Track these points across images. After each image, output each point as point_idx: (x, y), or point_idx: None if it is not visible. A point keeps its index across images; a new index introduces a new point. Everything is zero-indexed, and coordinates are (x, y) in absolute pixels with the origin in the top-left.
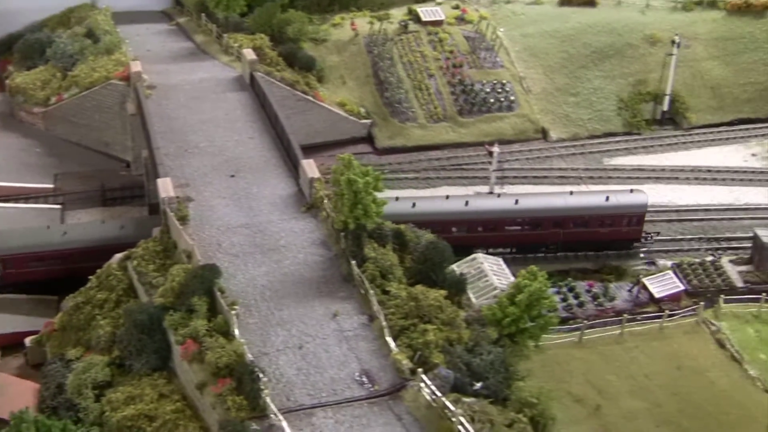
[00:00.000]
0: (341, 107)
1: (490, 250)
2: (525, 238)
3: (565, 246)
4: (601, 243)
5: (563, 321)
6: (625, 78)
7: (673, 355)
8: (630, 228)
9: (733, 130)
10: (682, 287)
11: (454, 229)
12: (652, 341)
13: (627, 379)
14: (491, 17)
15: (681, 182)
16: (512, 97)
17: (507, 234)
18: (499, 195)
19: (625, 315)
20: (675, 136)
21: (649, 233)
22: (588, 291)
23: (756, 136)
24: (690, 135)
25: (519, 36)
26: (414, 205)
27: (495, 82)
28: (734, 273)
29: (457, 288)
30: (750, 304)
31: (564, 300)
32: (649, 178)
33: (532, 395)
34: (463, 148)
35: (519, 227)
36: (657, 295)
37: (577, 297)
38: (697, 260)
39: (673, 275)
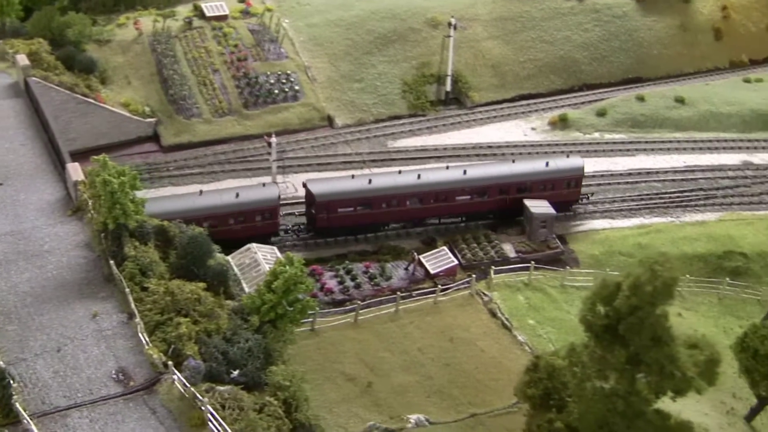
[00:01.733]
0: (125, 107)
1: (442, 221)
2: (474, 206)
3: (509, 211)
4: None
5: (340, 303)
6: (408, 61)
7: (447, 327)
8: (570, 190)
9: (514, 106)
10: (455, 262)
11: (408, 202)
12: (426, 316)
13: (400, 355)
14: (277, 9)
15: (462, 159)
16: (297, 87)
17: (457, 204)
18: (447, 167)
19: (399, 293)
20: (459, 115)
21: (585, 194)
22: (365, 272)
23: (536, 110)
24: (473, 113)
25: (304, 26)
26: (370, 181)
27: (280, 73)
28: (508, 244)
29: (219, 279)
30: (521, 273)
31: (341, 283)
32: (431, 157)
33: (285, 378)
34: (250, 140)
35: (468, 197)
36: (432, 271)
37: (354, 279)
38: (471, 235)
39: (447, 251)
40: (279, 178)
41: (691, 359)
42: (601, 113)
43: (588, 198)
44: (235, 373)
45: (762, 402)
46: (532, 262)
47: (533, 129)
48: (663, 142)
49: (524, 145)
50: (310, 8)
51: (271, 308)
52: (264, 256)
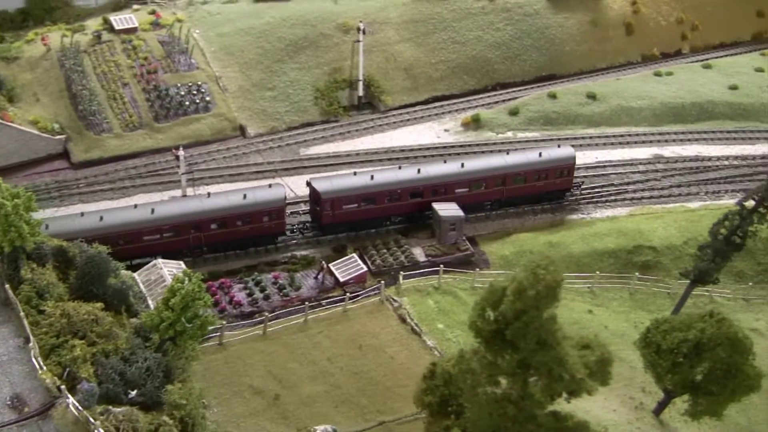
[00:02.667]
0: (34, 125)
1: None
2: (472, 197)
3: (507, 202)
4: (538, 195)
5: (249, 315)
6: (320, 68)
7: (356, 335)
8: (563, 179)
9: (428, 108)
10: (365, 269)
11: (409, 197)
12: (336, 325)
13: (309, 365)
14: (188, 19)
15: (375, 164)
16: (208, 98)
17: (456, 196)
18: (445, 161)
19: (307, 303)
20: (372, 119)
21: (577, 182)
22: (274, 283)
23: (450, 112)
24: (386, 117)
25: (215, 36)
26: (372, 177)
27: (191, 84)
28: (418, 248)
29: (119, 298)
30: (431, 276)
31: (250, 295)
32: (344, 163)
33: (182, 397)
34: (161, 153)
35: (467, 189)
36: (342, 279)
37: (263, 290)
38: (381, 241)
39: (356, 258)
40: (189, 190)
41: (582, 360)
42: (514, 112)
43: (580, 186)
44: (133, 393)
45: (669, 395)
46: (441, 266)
47: (446, 131)
48: (575, 138)
49: (437, 147)
50: (221, 17)
51: (170, 325)
52: (170, 271)
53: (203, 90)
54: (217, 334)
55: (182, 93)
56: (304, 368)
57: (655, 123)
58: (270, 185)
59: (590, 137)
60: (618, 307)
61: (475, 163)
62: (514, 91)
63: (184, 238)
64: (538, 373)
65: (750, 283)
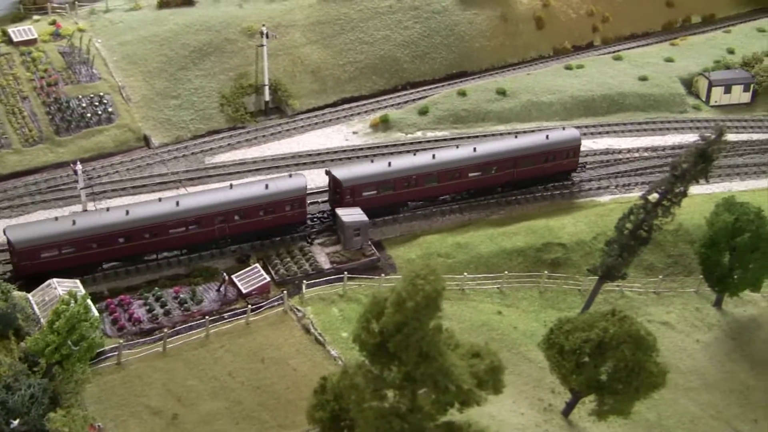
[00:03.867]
0: None
1: (457, 198)
2: (483, 181)
3: (516, 184)
4: (546, 177)
5: (149, 332)
6: (226, 73)
7: (259, 348)
8: (569, 160)
9: (336, 111)
10: (267, 279)
11: (425, 182)
12: (238, 338)
13: (209, 382)
14: (89, 29)
15: (282, 170)
16: (111, 109)
17: (469, 180)
18: (458, 146)
19: (207, 317)
20: (280, 124)
21: (582, 164)
22: (175, 297)
23: (359, 113)
24: (294, 121)
25: (117, 45)
26: (389, 164)
27: (93, 95)
28: (323, 256)
29: (4, 323)
30: (336, 284)
31: (150, 311)
32: (250, 171)
33: (65, 424)
34: (63, 168)
35: (479, 172)
36: (245, 291)
37: (164, 305)
38: (285, 250)
39: (259, 268)
40: (89, 205)
41: (472, 369)
42: (423, 111)
43: (585, 168)
44: (15, 422)
45: (576, 396)
46: (346, 273)
47: (354, 133)
48: (485, 135)
49: (344, 150)
50: (123, 26)
51: (56, 349)
52: (65, 290)
53: (106, 101)
54: (115, 353)
55: (84, 105)
56: (205, 385)
57: (565, 117)
58: (290, 175)
59: (500, 134)
60: (528, 306)
61: (486, 147)
62: (424, 90)
63: (209, 229)
64: (424, 385)
65: (660, 276)
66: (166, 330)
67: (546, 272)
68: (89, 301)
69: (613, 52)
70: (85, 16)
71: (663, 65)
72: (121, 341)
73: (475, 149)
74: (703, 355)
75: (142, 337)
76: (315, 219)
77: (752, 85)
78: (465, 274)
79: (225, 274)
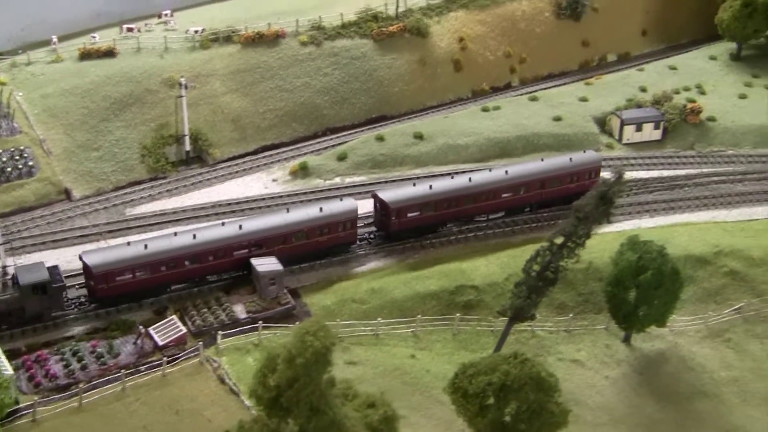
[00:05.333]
0: None
1: (490, 216)
2: (514, 201)
3: (543, 203)
4: (569, 197)
5: (64, 388)
6: (147, 124)
7: (174, 400)
8: (590, 181)
9: (257, 159)
10: (184, 330)
11: (463, 203)
12: (154, 391)
13: None
14: (10, 81)
15: (202, 220)
16: (32, 162)
17: (501, 200)
18: (491, 169)
19: (124, 370)
20: (200, 174)
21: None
22: (92, 351)
23: (279, 161)
24: (215, 170)
25: (38, 98)
26: (431, 187)
27: (13, 149)
28: (239, 305)
29: None
30: (251, 333)
31: (67, 366)
32: (170, 221)
33: None
34: None
35: (511, 193)
36: (161, 343)
37: (80, 360)
38: (201, 300)
39: (176, 320)
40: (9, 260)
41: (366, 420)
42: (342, 157)
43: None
44: None
45: None
46: (261, 322)
47: (274, 180)
48: (402, 180)
49: (263, 198)
50: (44, 78)
51: None
52: None
53: (26, 155)
54: (31, 410)
55: (4, 159)
56: None
57: (481, 159)
58: (341, 198)
59: (417, 177)
60: (441, 349)
61: (517, 169)
62: (344, 135)
63: (270, 250)
64: None
65: (571, 315)
66: (81, 385)
67: (459, 315)
68: (4, 360)
69: (530, 92)
70: (6, 69)
71: (577, 105)
72: (36, 398)
73: (507, 172)
74: (611, 391)
75: (58, 393)
76: (363, 239)
77: (662, 123)
78: (379, 319)
79: (141, 326)
